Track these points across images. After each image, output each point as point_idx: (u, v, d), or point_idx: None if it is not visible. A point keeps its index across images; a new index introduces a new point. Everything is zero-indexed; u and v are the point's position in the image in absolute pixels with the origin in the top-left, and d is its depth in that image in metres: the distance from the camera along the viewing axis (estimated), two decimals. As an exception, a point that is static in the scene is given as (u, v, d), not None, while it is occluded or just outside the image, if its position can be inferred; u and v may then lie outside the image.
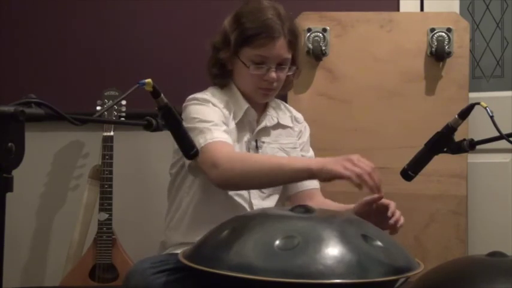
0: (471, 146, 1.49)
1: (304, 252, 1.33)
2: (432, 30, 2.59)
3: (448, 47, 2.56)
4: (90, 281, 2.52)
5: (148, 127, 1.37)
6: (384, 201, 1.77)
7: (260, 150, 1.97)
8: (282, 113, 2.07)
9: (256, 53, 1.88)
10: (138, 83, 1.33)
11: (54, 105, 1.12)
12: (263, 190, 1.96)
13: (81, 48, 2.83)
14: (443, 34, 2.57)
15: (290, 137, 2.06)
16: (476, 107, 1.46)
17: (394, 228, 1.76)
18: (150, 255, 1.87)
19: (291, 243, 1.35)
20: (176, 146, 1.72)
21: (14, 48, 2.86)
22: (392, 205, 1.77)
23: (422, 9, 2.75)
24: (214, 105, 1.90)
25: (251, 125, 1.99)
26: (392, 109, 2.60)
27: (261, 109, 2.02)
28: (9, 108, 1.04)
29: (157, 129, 1.38)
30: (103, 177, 2.53)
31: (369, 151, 2.58)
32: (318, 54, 2.60)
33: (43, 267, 2.84)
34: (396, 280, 1.42)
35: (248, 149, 1.96)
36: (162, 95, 1.41)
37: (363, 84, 2.63)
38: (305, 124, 2.13)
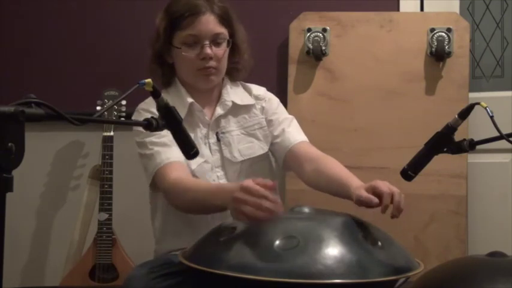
0: (471, 146, 1.49)
1: (304, 252, 1.33)
2: (432, 30, 2.59)
3: (448, 47, 2.56)
4: (90, 281, 2.52)
5: (149, 127, 1.37)
6: (380, 190, 1.57)
7: (222, 142, 1.93)
8: (240, 94, 2.01)
9: (186, 33, 1.86)
10: (138, 83, 1.33)
11: (54, 105, 1.12)
12: (235, 181, 1.90)
13: (81, 48, 2.83)
14: (443, 34, 2.57)
15: (254, 117, 1.99)
16: (476, 107, 1.45)
17: (394, 214, 1.55)
18: (149, 257, 1.87)
19: (291, 243, 1.35)
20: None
21: (14, 48, 2.86)
22: (384, 199, 1.54)
23: (422, 9, 2.75)
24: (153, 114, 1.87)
25: (202, 119, 1.94)
26: (392, 109, 2.60)
27: (215, 99, 1.98)
28: (9, 108, 1.04)
29: (157, 129, 1.38)
30: (103, 177, 2.53)
31: (369, 151, 2.58)
32: (318, 54, 2.60)
33: (43, 267, 2.84)
34: (396, 280, 1.42)
35: (207, 144, 1.93)
36: (162, 95, 1.41)
37: (363, 84, 2.63)
38: (268, 97, 2.04)
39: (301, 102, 2.63)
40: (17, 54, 2.86)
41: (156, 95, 1.39)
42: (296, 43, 2.67)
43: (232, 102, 1.96)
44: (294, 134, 1.98)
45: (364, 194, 1.57)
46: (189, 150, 1.50)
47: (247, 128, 1.98)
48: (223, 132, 1.94)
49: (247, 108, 1.99)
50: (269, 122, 2.00)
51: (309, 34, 2.63)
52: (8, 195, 1.06)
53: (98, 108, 2.57)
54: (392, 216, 1.54)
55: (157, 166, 1.83)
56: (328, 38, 2.63)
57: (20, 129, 1.08)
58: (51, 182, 2.84)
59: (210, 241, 1.47)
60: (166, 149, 1.83)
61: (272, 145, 1.99)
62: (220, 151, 1.93)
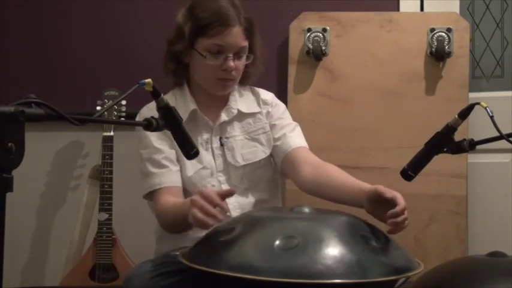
0: (471, 146, 1.49)
1: (304, 252, 1.33)
2: (432, 30, 2.59)
3: (448, 47, 2.56)
4: (90, 281, 2.52)
5: (149, 127, 1.37)
6: (396, 199, 1.56)
7: (226, 147, 1.94)
8: (247, 101, 2.02)
9: (212, 42, 1.85)
10: (138, 83, 1.33)
11: (54, 105, 1.12)
12: (237, 185, 1.92)
13: (82, 48, 2.83)
14: (443, 34, 2.57)
15: (259, 122, 2.00)
16: (476, 107, 1.46)
17: (392, 230, 1.56)
18: (149, 257, 1.87)
19: (291, 243, 1.35)
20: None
21: (14, 48, 2.86)
22: (399, 207, 1.54)
23: (422, 9, 2.75)
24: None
25: (205, 125, 1.95)
26: (392, 109, 2.60)
27: (222, 103, 1.98)
28: (9, 108, 1.04)
29: (157, 129, 1.38)
30: (103, 177, 2.53)
31: (369, 151, 2.58)
32: (318, 54, 2.60)
33: (43, 267, 2.84)
34: (396, 280, 1.42)
35: (210, 149, 1.93)
36: (162, 95, 1.41)
37: (363, 84, 2.63)
38: (275, 102, 2.05)
39: (301, 102, 2.63)
40: (17, 54, 2.86)
41: (156, 95, 1.39)
42: (296, 43, 2.67)
43: (238, 110, 1.98)
44: (295, 138, 1.99)
45: (389, 193, 1.56)
46: (189, 150, 1.51)
47: (251, 133, 1.99)
48: (227, 137, 1.96)
49: (252, 114, 2.01)
50: (272, 126, 2.01)
51: (309, 34, 2.63)
52: (8, 195, 1.06)
53: (98, 108, 2.57)
54: (390, 232, 1.55)
55: (151, 188, 1.89)
56: (328, 38, 2.63)
57: (20, 129, 1.08)
58: (51, 182, 2.84)
59: (210, 241, 1.47)
60: (162, 171, 1.88)
61: (272, 148, 2.00)
62: (224, 156, 1.94)
